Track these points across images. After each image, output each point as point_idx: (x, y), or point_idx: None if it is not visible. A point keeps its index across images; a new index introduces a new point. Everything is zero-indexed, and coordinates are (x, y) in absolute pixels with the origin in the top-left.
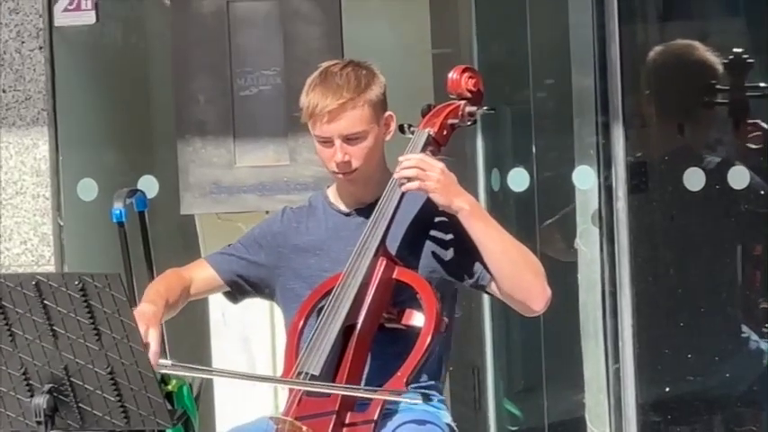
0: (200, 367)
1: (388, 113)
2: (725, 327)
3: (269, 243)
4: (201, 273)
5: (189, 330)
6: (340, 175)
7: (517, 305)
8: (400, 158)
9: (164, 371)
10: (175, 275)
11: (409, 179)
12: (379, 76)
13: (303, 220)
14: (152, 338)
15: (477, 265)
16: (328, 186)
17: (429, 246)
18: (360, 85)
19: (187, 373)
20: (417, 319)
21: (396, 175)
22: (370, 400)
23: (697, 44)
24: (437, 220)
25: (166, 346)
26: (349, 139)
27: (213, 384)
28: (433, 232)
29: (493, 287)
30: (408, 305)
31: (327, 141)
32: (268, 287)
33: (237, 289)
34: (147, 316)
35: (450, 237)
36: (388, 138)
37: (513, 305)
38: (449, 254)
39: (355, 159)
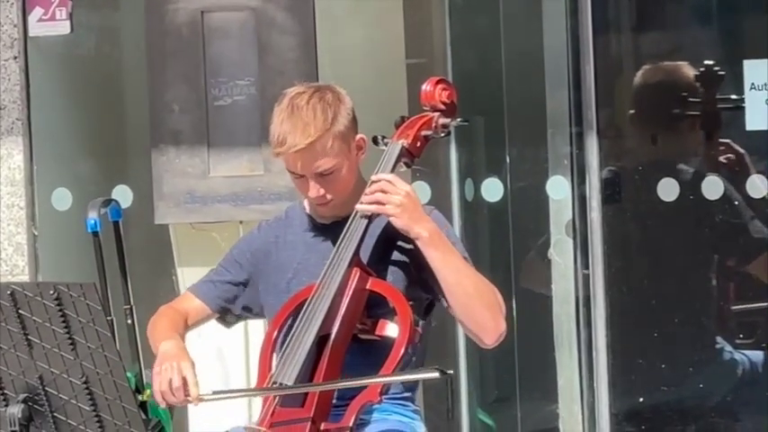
0: (242, 390)
1: (359, 137)
2: (699, 337)
3: (248, 260)
4: (191, 304)
5: None
6: (316, 205)
7: (470, 334)
8: (372, 177)
9: (208, 399)
10: (171, 311)
11: (363, 199)
12: (345, 98)
13: (281, 234)
14: (187, 371)
15: (439, 288)
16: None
17: (398, 258)
18: (326, 120)
19: (231, 397)
20: (391, 329)
21: (363, 198)
22: (344, 409)
23: (672, 58)
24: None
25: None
26: (322, 175)
27: None
28: (401, 245)
29: (448, 309)
30: (382, 316)
31: (300, 176)
32: (256, 305)
33: (227, 314)
34: (173, 352)
35: (415, 252)
36: (361, 159)
37: (466, 333)
38: (413, 268)
39: (330, 192)
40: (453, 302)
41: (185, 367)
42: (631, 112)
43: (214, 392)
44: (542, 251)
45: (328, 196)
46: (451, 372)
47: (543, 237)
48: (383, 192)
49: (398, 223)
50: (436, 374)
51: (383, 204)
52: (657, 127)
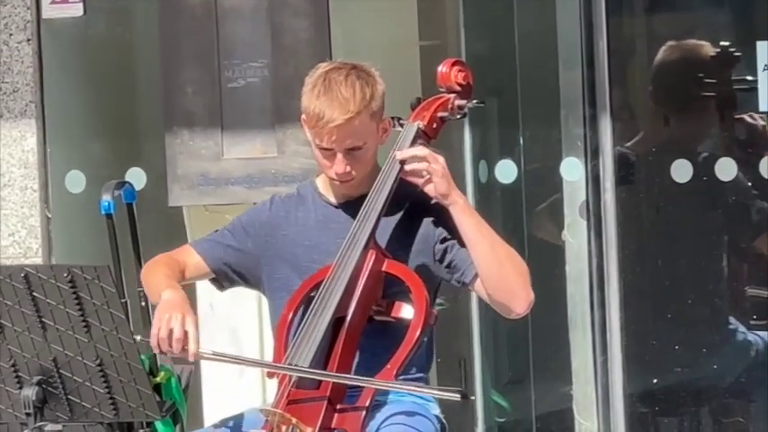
0: (240, 357)
1: (385, 120)
2: (712, 318)
3: (256, 231)
4: (190, 258)
5: None
6: (337, 182)
7: (499, 306)
8: (397, 153)
9: (205, 359)
10: (170, 260)
11: (417, 158)
12: (380, 82)
13: (292, 210)
14: (190, 326)
15: (463, 263)
16: (317, 175)
17: (418, 240)
18: (365, 98)
19: (227, 362)
20: (407, 311)
21: (407, 167)
22: (360, 391)
23: (685, 37)
24: (426, 215)
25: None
26: (351, 151)
27: (201, 376)
28: (422, 227)
29: (477, 285)
30: (398, 298)
31: (329, 151)
32: (254, 276)
33: (224, 277)
34: (179, 303)
35: (438, 232)
36: (383, 142)
37: (494, 306)
38: (436, 249)
39: (355, 169)
40: (486, 270)
41: (190, 321)
42: (650, 88)
43: (214, 353)
44: (554, 205)
45: (353, 173)
46: (473, 398)
47: (556, 195)
48: (428, 163)
49: (442, 186)
50: (457, 397)
51: (431, 175)
52: (673, 108)
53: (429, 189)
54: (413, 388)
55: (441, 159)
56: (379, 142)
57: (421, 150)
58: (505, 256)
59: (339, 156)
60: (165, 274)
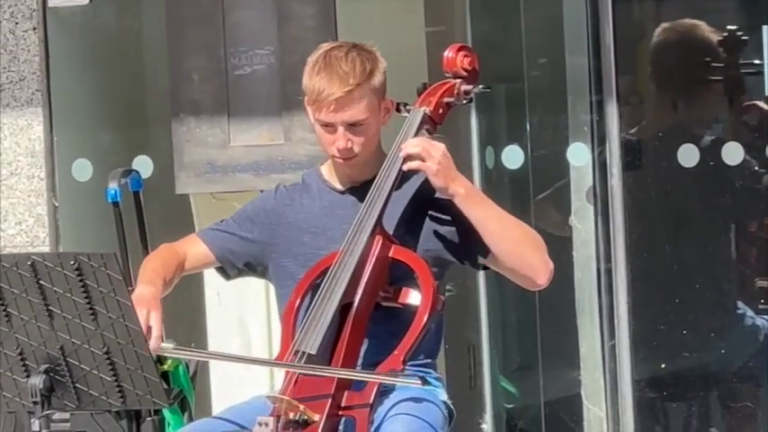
0: (202, 351)
1: (387, 99)
2: (720, 303)
3: (261, 220)
4: (194, 248)
5: (184, 310)
6: (340, 160)
7: (520, 280)
8: (402, 145)
9: (166, 354)
10: (170, 251)
11: (410, 157)
12: (381, 60)
13: (297, 197)
14: (153, 322)
15: (475, 245)
16: (321, 164)
17: (426, 225)
18: (365, 72)
19: (188, 356)
20: (414, 297)
21: (402, 153)
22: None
23: (692, 21)
24: (435, 199)
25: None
26: (352, 126)
27: (210, 364)
28: (430, 211)
29: (493, 263)
30: (405, 284)
31: (330, 126)
32: (260, 265)
33: (229, 266)
34: (147, 299)
35: (447, 216)
36: (385, 121)
37: (516, 280)
38: (446, 233)
39: (357, 146)
40: (502, 250)
41: (153, 317)
42: (649, 70)
43: (175, 348)
44: (555, 195)
45: (355, 149)
46: (431, 375)
47: (563, 180)
48: (425, 149)
49: (438, 181)
50: (417, 383)
51: (424, 161)
52: (674, 90)
53: (432, 180)
54: (377, 378)
55: (437, 153)
56: (381, 121)
57: (415, 147)
58: (519, 232)
59: (340, 130)
60: (153, 269)
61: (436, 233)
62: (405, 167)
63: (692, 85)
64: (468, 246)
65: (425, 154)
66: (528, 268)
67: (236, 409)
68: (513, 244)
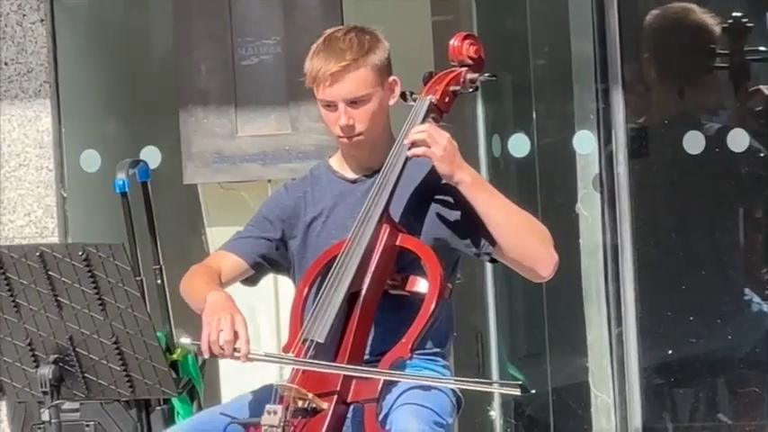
0: (290, 358)
1: (392, 78)
2: (727, 289)
3: (278, 217)
4: (225, 261)
5: None
6: (345, 140)
7: (524, 271)
8: (405, 129)
9: (257, 360)
10: (205, 268)
11: (415, 144)
12: (383, 41)
13: (308, 190)
14: (240, 326)
15: (481, 234)
16: (330, 156)
17: (433, 213)
18: (363, 48)
19: (280, 363)
20: (421, 285)
21: (405, 140)
22: (376, 365)
23: (694, 6)
24: (442, 187)
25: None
26: (353, 103)
27: None
28: (437, 200)
29: (498, 254)
30: (412, 272)
31: (331, 105)
32: (287, 261)
33: (261, 270)
34: (226, 304)
35: (454, 205)
36: (392, 102)
37: (520, 271)
38: (453, 222)
39: (359, 123)
40: (505, 241)
41: (239, 322)
42: (646, 56)
43: (266, 354)
44: None
45: (357, 126)
46: (534, 391)
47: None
48: (430, 135)
49: (443, 168)
50: (517, 391)
51: (429, 147)
52: (684, 81)
53: (438, 166)
54: (473, 382)
55: (442, 140)
56: (386, 99)
57: (420, 134)
58: (523, 223)
59: (341, 107)
60: (204, 281)
61: (444, 220)
62: (409, 153)
63: (697, 73)
64: (476, 234)
65: (431, 140)
66: (532, 260)
67: (245, 398)
68: (518, 234)
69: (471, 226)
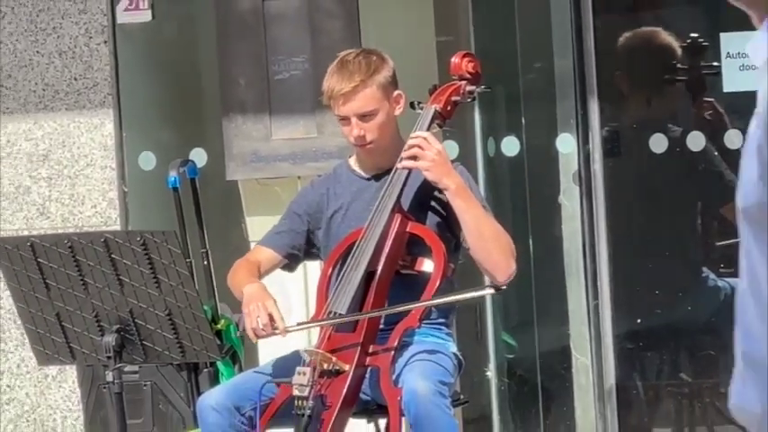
0: (316, 320)
1: (397, 92)
2: (687, 268)
3: (305, 211)
4: (263, 255)
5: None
6: (358, 147)
7: (485, 272)
8: (411, 135)
9: (292, 330)
10: (246, 262)
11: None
12: (388, 60)
13: (331, 186)
14: (273, 309)
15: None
16: (350, 156)
17: (433, 206)
18: (369, 70)
19: (312, 326)
20: (428, 265)
21: (403, 154)
22: (389, 333)
23: (660, 30)
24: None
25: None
26: (363, 116)
27: None
28: (435, 195)
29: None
30: (420, 254)
31: (345, 119)
32: (315, 248)
33: (294, 260)
34: (257, 293)
35: (446, 202)
36: (398, 113)
37: (482, 271)
38: (446, 214)
39: (369, 133)
40: (473, 244)
41: (269, 305)
42: (617, 72)
43: (298, 324)
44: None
45: (368, 136)
46: (504, 287)
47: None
48: (420, 148)
49: (430, 176)
50: (492, 291)
51: (418, 160)
52: (651, 91)
53: (425, 175)
54: (449, 299)
55: (431, 152)
56: (392, 111)
57: (410, 150)
58: (491, 233)
59: (353, 120)
60: (244, 274)
61: (439, 213)
62: (399, 166)
63: (661, 85)
64: (458, 231)
65: (419, 153)
66: (491, 265)
67: (279, 361)
68: (483, 240)
69: (458, 221)
